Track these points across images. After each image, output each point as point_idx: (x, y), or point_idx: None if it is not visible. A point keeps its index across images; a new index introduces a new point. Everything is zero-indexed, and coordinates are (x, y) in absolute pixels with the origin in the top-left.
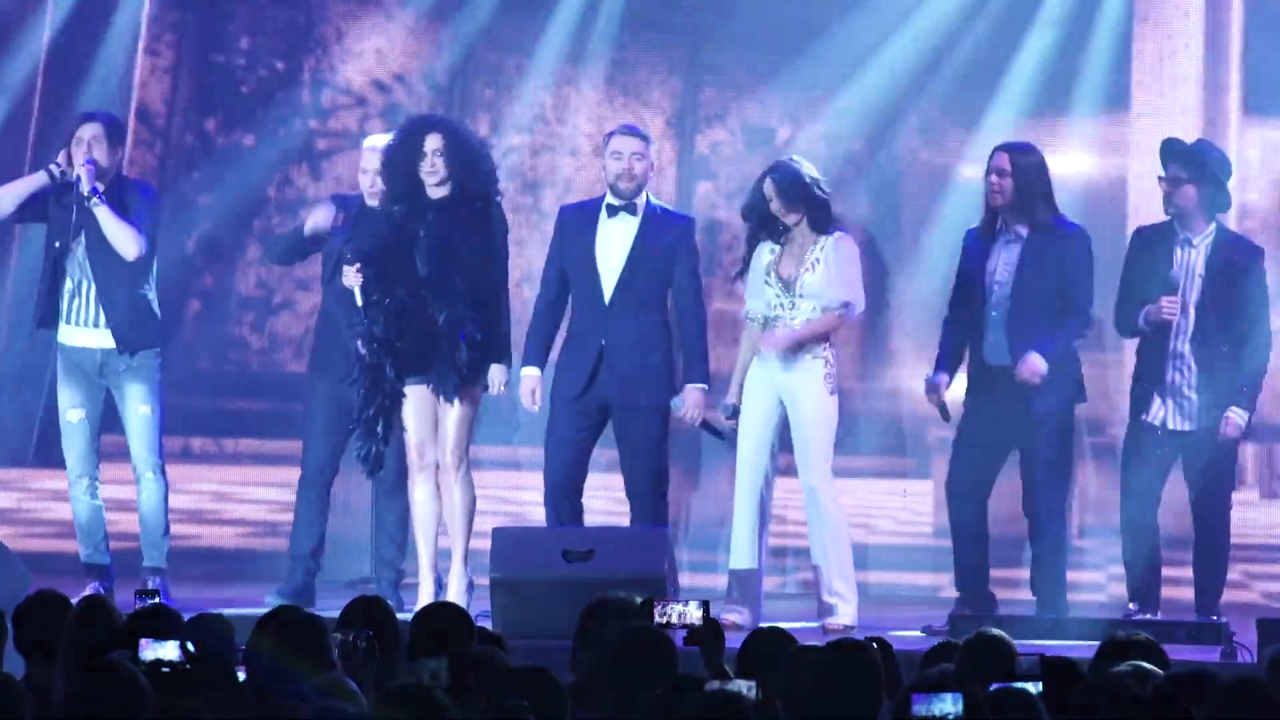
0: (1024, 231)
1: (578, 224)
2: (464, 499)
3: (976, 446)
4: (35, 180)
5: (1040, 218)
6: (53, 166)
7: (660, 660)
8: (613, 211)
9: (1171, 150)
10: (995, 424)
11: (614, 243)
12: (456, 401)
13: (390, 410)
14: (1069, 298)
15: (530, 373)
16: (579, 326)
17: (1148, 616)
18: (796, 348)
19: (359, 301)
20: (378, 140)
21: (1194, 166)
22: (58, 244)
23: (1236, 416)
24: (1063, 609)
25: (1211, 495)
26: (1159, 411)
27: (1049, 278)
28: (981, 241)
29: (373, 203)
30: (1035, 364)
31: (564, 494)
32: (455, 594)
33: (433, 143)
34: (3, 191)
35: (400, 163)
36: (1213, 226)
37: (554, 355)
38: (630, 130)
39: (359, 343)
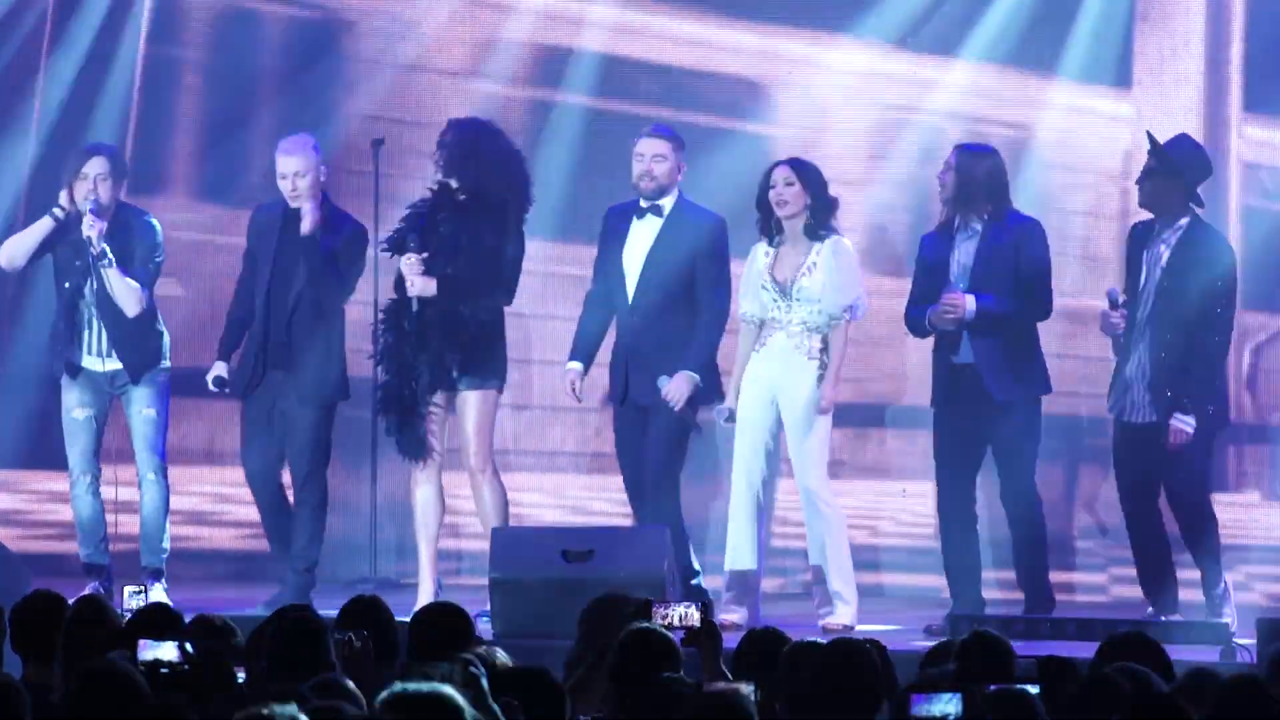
0: (979, 227)
1: (615, 225)
2: (495, 501)
3: (955, 451)
4: (43, 227)
5: (991, 214)
6: (57, 210)
7: (660, 660)
8: (641, 213)
9: (1149, 143)
10: (966, 421)
11: (638, 244)
12: (473, 406)
13: (412, 401)
14: (1027, 287)
15: (572, 366)
16: (617, 328)
17: (1163, 619)
18: (809, 352)
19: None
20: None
21: (1165, 160)
22: (68, 285)
23: (1180, 424)
24: (1046, 602)
25: (1183, 490)
26: (1117, 405)
27: (1008, 267)
28: (940, 240)
29: (296, 205)
30: (960, 298)
31: (635, 494)
32: None
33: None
34: (14, 245)
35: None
36: (1185, 221)
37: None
38: (656, 132)
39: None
